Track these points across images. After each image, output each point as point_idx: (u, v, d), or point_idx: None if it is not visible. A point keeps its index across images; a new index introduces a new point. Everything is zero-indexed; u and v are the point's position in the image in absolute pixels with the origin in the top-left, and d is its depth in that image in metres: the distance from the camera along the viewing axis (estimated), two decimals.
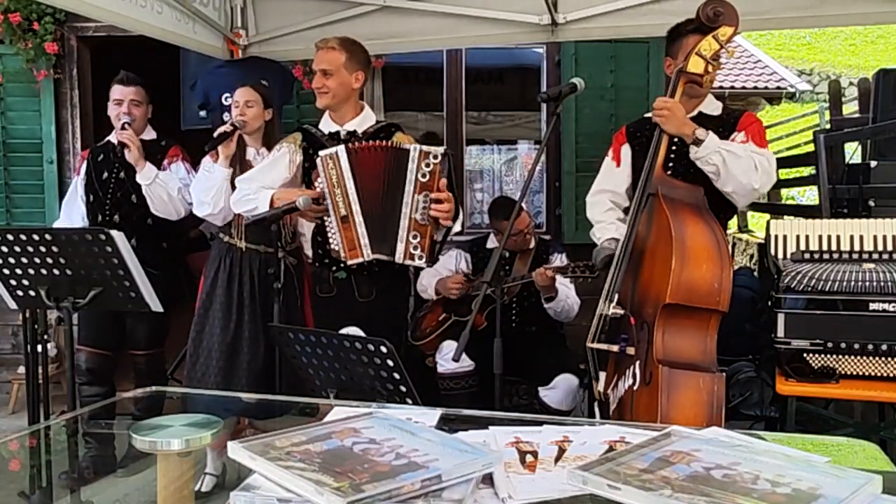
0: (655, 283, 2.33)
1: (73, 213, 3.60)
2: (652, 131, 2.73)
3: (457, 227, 2.82)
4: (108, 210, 3.47)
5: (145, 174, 3.39)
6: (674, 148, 2.61)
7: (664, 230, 2.32)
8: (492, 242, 3.82)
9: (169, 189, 3.42)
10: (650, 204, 2.44)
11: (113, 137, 3.53)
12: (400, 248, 2.70)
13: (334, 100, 2.88)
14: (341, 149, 2.71)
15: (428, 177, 2.62)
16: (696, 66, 2.51)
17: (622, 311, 2.36)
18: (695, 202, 2.46)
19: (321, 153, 2.73)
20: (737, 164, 2.48)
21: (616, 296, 2.38)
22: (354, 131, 2.92)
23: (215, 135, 3.19)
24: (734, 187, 2.52)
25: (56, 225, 3.63)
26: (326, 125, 2.96)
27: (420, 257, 2.69)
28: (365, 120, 2.95)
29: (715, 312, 2.30)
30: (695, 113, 2.67)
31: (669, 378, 2.19)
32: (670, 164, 2.61)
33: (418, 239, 2.67)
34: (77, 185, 3.62)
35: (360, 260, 2.75)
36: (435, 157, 2.62)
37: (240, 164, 3.26)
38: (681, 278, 2.24)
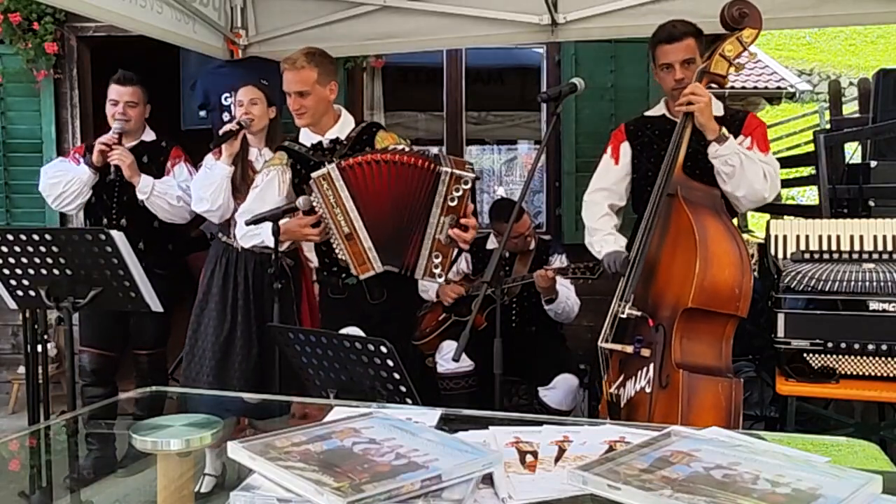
0: (674, 286, 2.31)
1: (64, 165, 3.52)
2: (654, 131, 2.72)
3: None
4: (115, 214, 3.45)
5: (142, 188, 3.35)
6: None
7: (685, 232, 2.30)
8: (492, 243, 3.82)
9: (168, 199, 3.40)
10: (667, 204, 2.41)
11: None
12: (421, 265, 2.68)
13: (314, 118, 2.82)
14: (333, 168, 2.64)
15: (457, 202, 2.60)
16: (719, 66, 2.49)
17: (639, 313, 2.34)
18: (713, 205, 2.44)
19: (313, 175, 2.66)
20: (752, 170, 2.47)
21: (632, 297, 2.36)
22: (337, 138, 2.86)
23: (220, 132, 3.18)
24: (746, 192, 2.50)
25: (49, 166, 3.54)
26: (307, 137, 2.89)
27: (440, 276, 2.71)
28: (345, 125, 2.89)
29: (733, 318, 2.29)
30: None
31: (689, 383, 2.18)
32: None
33: (440, 259, 2.67)
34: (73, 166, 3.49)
35: (372, 273, 2.73)
36: (466, 182, 2.59)
37: (242, 164, 3.26)
38: (704, 282, 2.22)
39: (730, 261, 2.26)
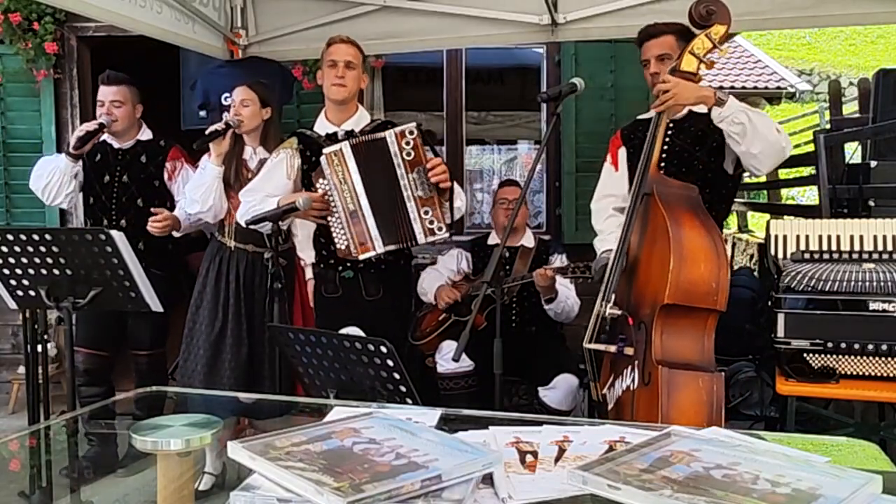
0: (653, 284, 2.32)
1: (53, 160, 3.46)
2: (645, 132, 2.74)
3: (458, 203, 2.84)
4: (115, 215, 3.44)
5: (183, 227, 3.41)
6: (665, 147, 2.61)
7: (661, 230, 2.32)
8: (493, 239, 3.83)
9: (199, 220, 3.45)
10: (645, 204, 2.44)
11: (109, 138, 3.51)
12: (417, 228, 2.72)
13: (350, 94, 2.91)
14: (345, 145, 2.72)
15: (413, 154, 2.66)
16: (689, 64, 2.51)
17: (619, 312, 2.35)
18: (690, 201, 2.46)
19: (325, 150, 2.74)
20: (762, 122, 2.46)
21: (613, 296, 2.38)
22: (352, 131, 2.92)
23: (207, 132, 3.19)
24: (762, 146, 2.46)
25: (41, 162, 3.45)
26: (322, 127, 2.96)
27: (440, 229, 2.73)
28: (361, 119, 2.97)
29: (713, 312, 2.29)
30: (684, 112, 2.67)
31: (669, 378, 2.19)
32: (662, 164, 2.61)
33: (430, 213, 2.71)
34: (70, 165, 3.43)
35: (372, 254, 2.75)
36: (411, 132, 2.66)
37: (236, 162, 3.27)
38: (679, 278, 2.24)
39: (705, 256, 2.27)
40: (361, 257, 2.76)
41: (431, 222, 2.71)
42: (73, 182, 3.40)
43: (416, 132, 2.66)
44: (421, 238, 2.73)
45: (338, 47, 2.90)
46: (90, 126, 3.36)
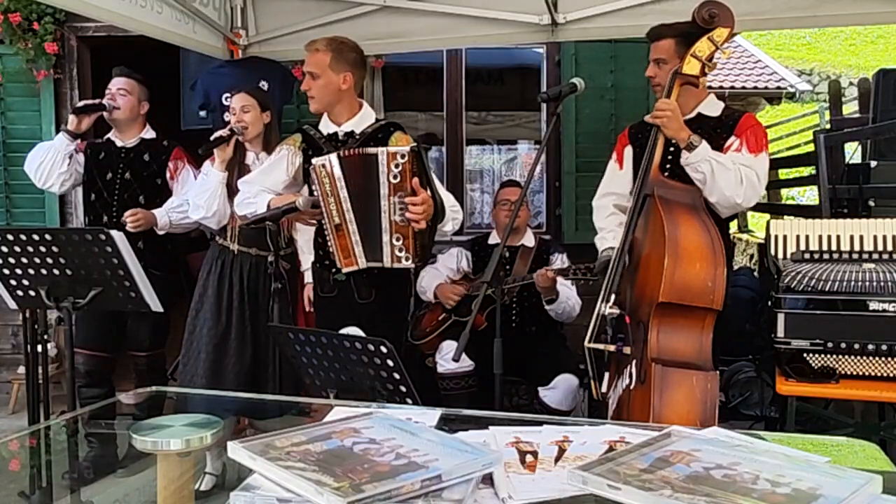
0: (650, 283, 2.33)
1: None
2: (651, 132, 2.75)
3: (448, 227, 2.79)
4: (115, 212, 3.45)
5: (161, 227, 3.42)
6: (671, 149, 2.61)
7: (659, 230, 2.32)
8: (493, 239, 3.83)
9: (187, 222, 3.46)
10: (647, 205, 2.44)
11: (113, 136, 3.54)
12: (386, 251, 2.66)
13: (321, 103, 2.86)
14: (334, 157, 2.66)
15: (399, 178, 2.58)
16: (691, 67, 2.51)
17: (618, 311, 2.36)
18: (691, 202, 2.46)
19: (314, 161, 2.69)
20: (724, 177, 2.48)
21: (613, 296, 2.38)
22: (352, 132, 2.89)
23: (211, 138, 3.20)
24: (718, 199, 2.53)
25: (37, 146, 3.49)
26: (325, 126, 2.94)
27: (407, 258, 2.66)
28: (363, 119, 2.92)
29: (709, 311, 2.29)
30: (693, 114, 2.67)
31: (662, 376, 2.19)
32: (667, 166, 2.61)
33: (401, 241, 2.64)
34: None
35: (355, 268, 2.72)
36: (403, 156, 2.56)
37: (239, 168, 3.27)
38: (674, 277, 2.24)
39: (701, 255, 2.27)
40: (345, 271, 2.74)
41: (400, 250, 2.64)
42: (65, 162, 3.41)
43: (407, 157, 2.55)
44: (386, 262, 2.68)
45: (306, 57, 2.87)
46: (91, 101, 3.39)
